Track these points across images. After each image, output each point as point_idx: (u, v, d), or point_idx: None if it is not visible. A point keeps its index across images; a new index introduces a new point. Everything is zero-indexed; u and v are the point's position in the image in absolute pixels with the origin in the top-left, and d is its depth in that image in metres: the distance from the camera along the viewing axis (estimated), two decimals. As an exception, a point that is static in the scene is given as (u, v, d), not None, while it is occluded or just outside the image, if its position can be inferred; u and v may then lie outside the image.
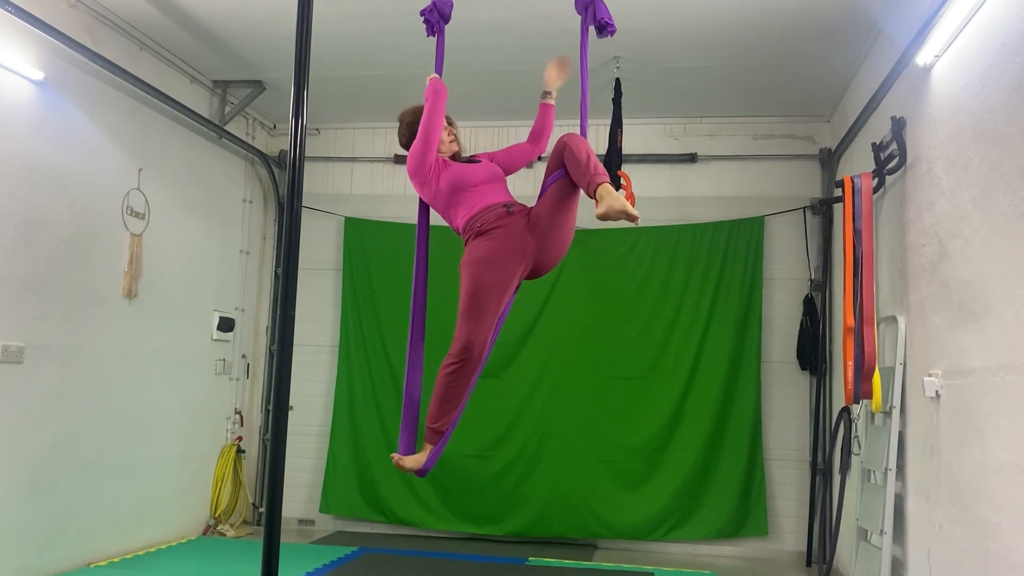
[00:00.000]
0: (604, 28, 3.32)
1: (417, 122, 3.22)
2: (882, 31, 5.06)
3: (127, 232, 5.66)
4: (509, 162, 3.43)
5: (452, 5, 3.49)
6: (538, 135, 3.49)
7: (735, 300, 6.65)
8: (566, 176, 3.00)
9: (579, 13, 3.40)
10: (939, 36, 3.94)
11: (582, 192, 3.01)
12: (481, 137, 7.23)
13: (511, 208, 3.08)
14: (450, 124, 3.38)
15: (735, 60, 5.78)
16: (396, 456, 3.02)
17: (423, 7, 3.46)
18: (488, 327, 2.97)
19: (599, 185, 2.83)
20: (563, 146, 3.00)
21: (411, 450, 3.08)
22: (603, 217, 2.79)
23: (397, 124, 3.43)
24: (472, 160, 3.37)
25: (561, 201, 3.04)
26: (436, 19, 3.46)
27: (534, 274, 3.14)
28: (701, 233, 6.77)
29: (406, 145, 3.35)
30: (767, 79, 6.12)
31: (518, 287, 3.11)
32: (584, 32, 3.37)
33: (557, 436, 6.72)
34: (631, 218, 2.77)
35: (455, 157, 3.35)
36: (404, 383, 3.16)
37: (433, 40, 3.51)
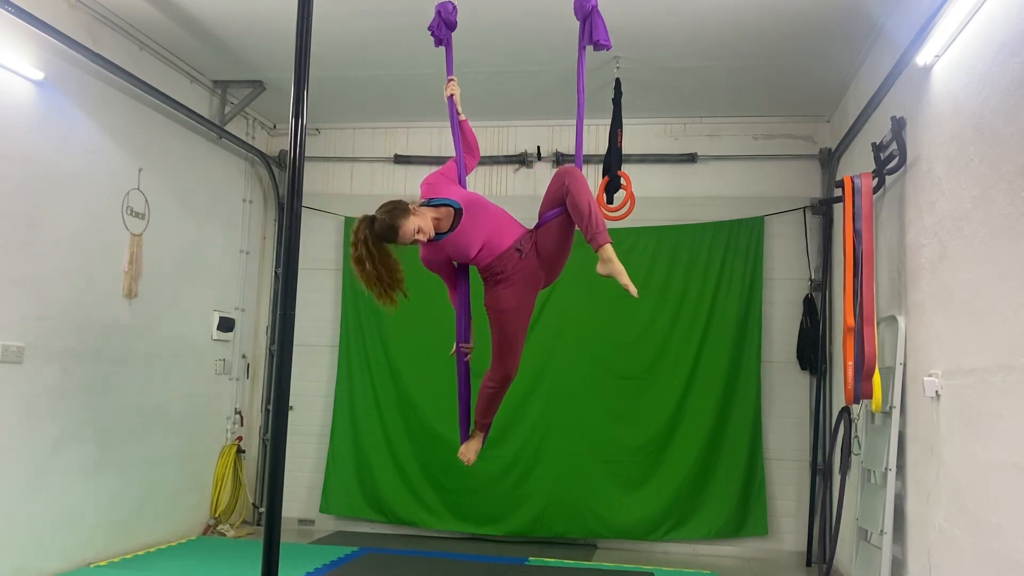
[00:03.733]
0: (597, 45, 3.39)
1: (389, 227, 3.09)
2: (882, 31, 5.06)
3: (127, 232, 5.66)
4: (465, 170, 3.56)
5: (456, 12, 3.52)
6: (471, 148, 3.64)
7: (735, 300, 6.65)
8: (566, 213, 3.20)
9: (578, 19, 3.42)
10: (939, 36, 3.94)
11: None
12: (481, 137, 7.13)
13: (522, 252, 3.25)
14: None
15: (735, 60, 5.78)
16: (464, 452, 3.60)
17: (422, 9, 3.49)
18: (520, 353, 3.39)
19: (600, 246, 3.10)
20: (564, 189, 3.15)
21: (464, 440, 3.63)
22: (604, 275, 3.14)
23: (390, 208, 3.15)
24: (449, 206, 3.23)
25: (562, 233, 3.28)
26: (444, 32, 3.52)
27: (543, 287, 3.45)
28: (701, 233, 6.76)
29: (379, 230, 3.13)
30: (767, 79, 6.12)
31: None
32: (581, 49, 3.44)
33: (557, 436, 6.72)
34: (628, 291, 3.07)
35: (440, 228, 3.23)
36: (457, 393, 3.57)
37: (433, 40, 3.56)
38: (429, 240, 3.16)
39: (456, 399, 3.57)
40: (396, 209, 3.09)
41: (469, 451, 3.59)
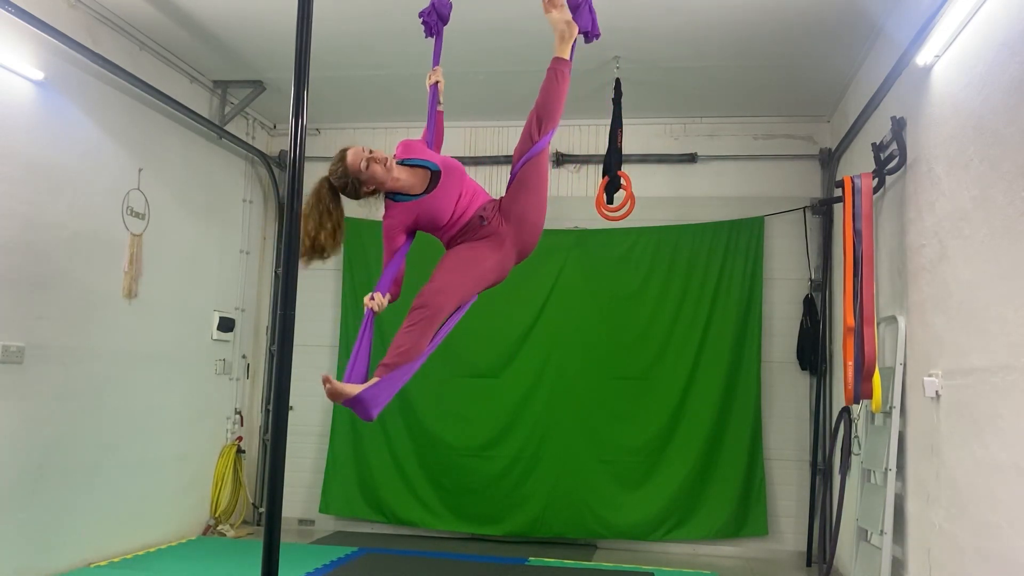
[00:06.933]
0: (588, 35, 3.37)
1: (337, 161, 3.07)
2: (882, 31, 5.06)
3: (127, 232, 5.66)
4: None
5: (451, 7, 3.52)
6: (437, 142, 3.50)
7: (735, 300, 6.65)
8: (529, 162, 3.08)
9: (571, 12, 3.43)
10: (939, 36, 3.94)
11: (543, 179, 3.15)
12: (481, 137, 7.23)
13: (484, 220, 3.10)
14: (372, 158, 3.01)
15: (735, 60, 5.78)
16: (327, 375, 2.91)
17: (422, 8, 3.48)
18: (447, 297, 3.06)
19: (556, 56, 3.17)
20: (529, 117, 3.19)
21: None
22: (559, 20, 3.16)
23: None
24: (425, 167, 3.15)
25: (527, 189, 3.10)
26: (435, 21, 3.50)
27: (518, 259, 3.20)
28: (701, 233, 6.76)
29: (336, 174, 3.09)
30: (767, 79, 6.12)
31: (499, 280, 3.17)
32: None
33: (557, 436, 6.71)
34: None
35: (412, 189, 3.12)
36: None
37: (424, 28, 3.54)
38: (398, 198, 3.07)
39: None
40: (343, 148, 3.10)
41: (339, 385, 2.93)
